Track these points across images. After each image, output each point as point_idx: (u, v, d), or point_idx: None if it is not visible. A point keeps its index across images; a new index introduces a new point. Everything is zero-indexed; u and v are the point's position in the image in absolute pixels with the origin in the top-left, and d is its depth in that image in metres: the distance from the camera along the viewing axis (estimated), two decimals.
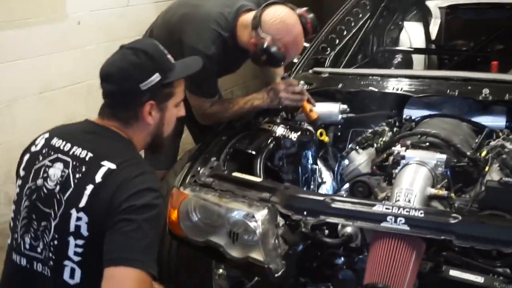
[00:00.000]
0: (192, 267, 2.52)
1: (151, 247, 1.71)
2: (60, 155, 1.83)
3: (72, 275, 1.75)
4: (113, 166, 1.76)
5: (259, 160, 2.43)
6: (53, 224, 1.78)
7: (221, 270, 2.66)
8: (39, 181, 1.83)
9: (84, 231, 1.73)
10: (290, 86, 2.68)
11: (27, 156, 1.92)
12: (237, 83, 5.50)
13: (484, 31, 4.23)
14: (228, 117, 2.72)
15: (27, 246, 1.84)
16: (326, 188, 2.63)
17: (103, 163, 1.77)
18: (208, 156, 2.48)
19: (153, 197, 1.73)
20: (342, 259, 2.18)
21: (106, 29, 4.05)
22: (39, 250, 1.81)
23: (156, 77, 1.84)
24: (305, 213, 2.05)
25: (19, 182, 1.91)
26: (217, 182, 2.27)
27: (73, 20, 3.82)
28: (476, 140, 2.43)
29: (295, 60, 3.21)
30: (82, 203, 1.73)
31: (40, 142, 1.92)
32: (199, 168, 2.40)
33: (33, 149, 1.92)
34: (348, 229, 2.10)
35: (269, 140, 2.54)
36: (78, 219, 1.73)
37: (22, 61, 3.51)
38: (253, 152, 2.49)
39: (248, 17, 2.63)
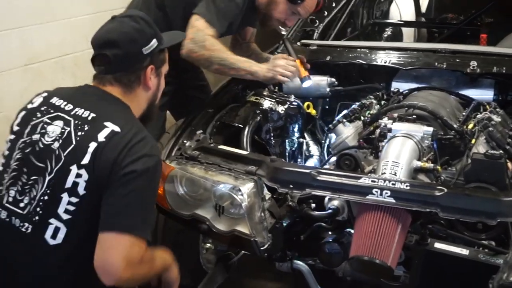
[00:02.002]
0: (179, 241, 2.51)
1: (148, 213, 1.77)
2: (60, 114, 1.86)
3: (54, 235, 1.75)
4: (117, 128, 1.80)
5: (245, 133, 2.42)
6: (47, 178, 1.78)
7: (208, 244, 2.67)
8: (35, 136, 1.84)
9: (81, 189, 1.75)
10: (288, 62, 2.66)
11: (22, 113, 1.94)
12: None
13: (474, 4, 4.20)
14: (219, 59, 2.57)
15: (10, 199, 1.84)
16: (314, 161, 2.62)
17: (106, 124, 1.81)
18: (195, 129, 2.46)
19: (154, 163, 1.78)
20: (329, 232, 2.18)
21: (94, 0, 3.99)
22: (22, 205, 1.81)
23: (154, 42, 1.94)
24: (291, 186, 2.05)
25: (12, 136, 1.91)
26: (203, 155, 2.26)
27: None
28: (463, 113, 2.42)
29: (284, 32, 3.17)
30: (85, 160, 1.75)
31: (38, 100, 1.94)
32: (185, 141, 2.39)
33: (29, 106, 1.94)
34: (335, 203, 2.11)
35: (256, 113, 2.52)
36: (78, 175, 1.75)
37: (7, 32, 3.45)
38: (240, 125, 2.47)
39: None
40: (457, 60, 2.66)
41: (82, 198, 1.75)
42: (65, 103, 1.89)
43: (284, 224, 2.16)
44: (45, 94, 1.96)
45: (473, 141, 2.14)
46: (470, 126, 2.23)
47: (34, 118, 1.89)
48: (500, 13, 4.15)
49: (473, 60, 2.58)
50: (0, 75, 3.43)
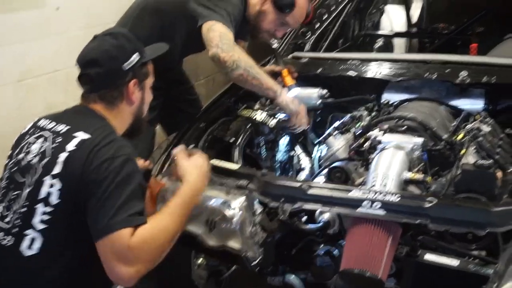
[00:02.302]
0: (171, 257, 2.50)
1: (125, 204, 1.75)
2: (43, 132, 1.94)
3: (30, 245, 1.79)
4: (86, 136, 1.85)
5: (237, 147, 2.43)
6: (26, 191, 1.84)
7: (200, 260, 2.66)
8: (21, 155, 1.93)
9: (54, 198, 1.79)
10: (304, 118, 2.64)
11: (16, 139, 2.03)
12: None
13: (465, 14, 4.23)
14: (247, 64, 2.53)
15: None
16: (305, 174, 2.62)
17: (76, 134, 1.87)
18: (187, 143, 2.47)
19: (121, 162, 1.79)
20: (321, 245, 2.19)
21: (86, 14, 3.99)
22: (7, 220, 1.86)
23: (136, 57, 1.99)
24: (282, 199, 2.05)
25: (6, 161, 2.00)
26: None
27: (52, 5, 3.75)
28: (454, 123, 2.42)
29: (275, 45, 3.19)
30: (56, 170, 1.81)
31: (28, 125, 2.03)
32: None
33: (22, 131, 2.03)
34: (326, 216, 2.10)
35: (248, 127, 2.53)
36: (51, 185, 1.80)
37: (0, 48, 3.46)
38: (232, 139, 2.48)
39: None
40: (447, 70, 2.66)
41: (56, 207, 1.79)
42: (49, 121, 1.97)
43: (276, 238, 2.16)
44: (36, 119, 2.04)
45: (462, 151, 2.14)
46: (460, 136, 2.23)
47: (22, 141, 1.97)
48: (491, 22, 4.17)
49: (463, 70, 2.59)
50: None
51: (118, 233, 1.71)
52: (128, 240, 1.71)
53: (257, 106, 2.69)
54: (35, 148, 1.90)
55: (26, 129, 2.02)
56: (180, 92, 3.24)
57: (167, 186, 2.21)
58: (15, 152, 1.96)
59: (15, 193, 1.86)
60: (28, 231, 1.80)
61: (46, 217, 1.79)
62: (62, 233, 1.79)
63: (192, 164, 2.05)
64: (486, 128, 2.24)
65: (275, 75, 2.82)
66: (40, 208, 1.79)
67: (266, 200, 2.08)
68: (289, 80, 2.78)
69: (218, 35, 2.54)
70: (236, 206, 2.06)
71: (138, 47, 2.03)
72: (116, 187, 1.75)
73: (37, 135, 1.95)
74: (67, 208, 1.78)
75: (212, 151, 2.49)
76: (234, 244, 2.07)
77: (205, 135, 2.57)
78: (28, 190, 1.84)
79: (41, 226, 1.79)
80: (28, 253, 1.79)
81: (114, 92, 1.99)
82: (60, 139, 1.87)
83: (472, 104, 2.59)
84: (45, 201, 1.79)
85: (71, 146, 1.83)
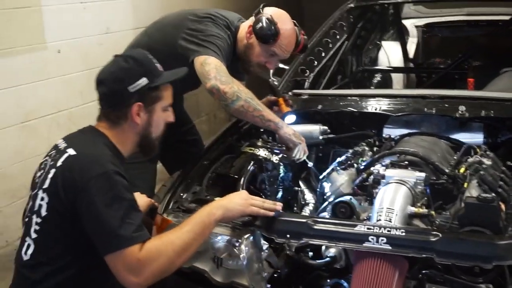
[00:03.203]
0: None
1: (126, 218, 1.82)
2: (54, 151, 2.04)
3: (26, 251, 1.94)
4: (73, 152, 1.95)
5: (241, 184, 2.44)
6: (30, 204, 1.99)
7: None
8: (38, 173, 2.04)
9: (43, 210, 1.92)
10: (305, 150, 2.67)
11: None
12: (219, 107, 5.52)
13: (461, 48, 4.31)
14: (247, 96, 2.59)
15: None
16: (310, 209, 2.63)
17: (67, 150, 1.97)
18: (191, 181, 2.49)
19: (105, 178, 1.85)
20: (328, 280, 2.19)
21: (86, 57, 4.06)
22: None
23: (143, 81, 2.01)
24: (288, 235, 2.06)
25: None
26: (200, 207, 2.27)
27: (53, 48, 3.84)
28: (455, 157, 2.45)
29: (276, 83, 3.23)
30: (46, 185, 1.94)
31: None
32: (182, 194, 2.41)
33: None
34: (332, 250, 2.12)
35: (251, 163, 2.55)
36: (42, 199, 1.93)
37: (2, 91, 3.51)
38: (235, 176, 2.50)
39: (245, 23, 2.85)
40: (446, 105, 2.71)
41: (44, 219, 1.91)
42: (62, 141, 2.06)
43: (283, 273, 2.17)
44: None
45: (465, 185, 2.17)
46: (462, 170, 2.26)
47: (43, 161, 2.07)
48: (488, 56, 4.25)
49: (461, 105, 2.64)
50: None
51: (127, 249, 1.80)
52: (137, 254, 1.80)
53: (259, 143, 2.71)
54: (45, 165, 2.01)
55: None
56: (181, 132, 3.26)
57: (173, 222, 2.23)
58: (36, 171, 2.08)
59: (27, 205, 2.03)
60: (27, 238, 1.95)
61: (37, 227, 1.92)
62: (48, 244, 1.91)
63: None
64: (487, 162, 2.27)
65: (271, 104, 2.85)
66: (34, 218, 1.93)
67: (272, 237, 2.09)
68: (284, 108, 2.83)
69: (214, 67, 2.58)
70: (242, 243, 2.07)
71: (149, 71, 2.04)
72: (111, 203, 1.82)
73: (50, 153, 2.06)
74: (54, 221, 1.90)
75: (216, 188, 2.50)
76: (241, 280, 2.08)
77: (209, 172, 2.59)
78: (30, 203, 1.98)
79: (34, 236, 1.93)
80: (24, 258, 1.94)
81: (118, 112, 2.04)
82: (57, 156, 1.97)
83: (472, 137, 2.63)
84: (37, 212, 1.93)
85: (60, 162, 1.94)
